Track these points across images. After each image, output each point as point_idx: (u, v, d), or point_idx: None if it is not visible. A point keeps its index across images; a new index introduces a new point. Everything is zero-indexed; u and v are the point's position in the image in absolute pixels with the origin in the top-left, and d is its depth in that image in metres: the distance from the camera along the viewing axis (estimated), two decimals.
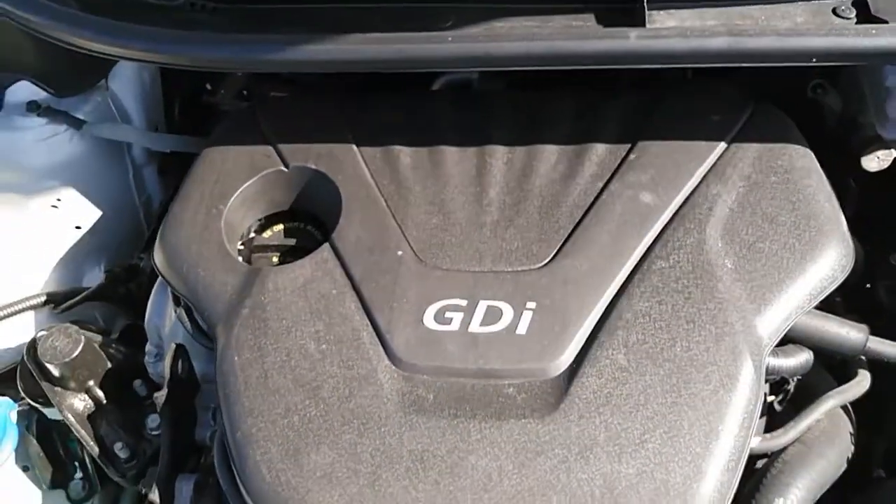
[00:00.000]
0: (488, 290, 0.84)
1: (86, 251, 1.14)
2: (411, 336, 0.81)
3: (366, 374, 0.80)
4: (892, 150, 1.02)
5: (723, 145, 0.93)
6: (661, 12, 0.85)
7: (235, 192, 0.94)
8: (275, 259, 0.95)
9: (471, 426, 0.76)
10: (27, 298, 1.06)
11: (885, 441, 0.97)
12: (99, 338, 1.01)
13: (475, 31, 0.85)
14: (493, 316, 0.82)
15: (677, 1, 0.87)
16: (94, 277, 1.14)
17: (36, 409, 1.04)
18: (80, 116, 1.15)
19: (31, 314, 1.07)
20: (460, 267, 0.86)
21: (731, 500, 0.74)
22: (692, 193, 0.88)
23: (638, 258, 0.84)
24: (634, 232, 0.86)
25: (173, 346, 0.91)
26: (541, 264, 0.85)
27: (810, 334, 0.86)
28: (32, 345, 0.96)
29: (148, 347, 1.00)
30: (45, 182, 1.12)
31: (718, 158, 0.91)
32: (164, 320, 0.99)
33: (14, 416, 1.01)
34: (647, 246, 0.85)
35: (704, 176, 0.90)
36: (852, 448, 0.87)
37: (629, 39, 0.83)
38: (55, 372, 0.96)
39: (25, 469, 1.07)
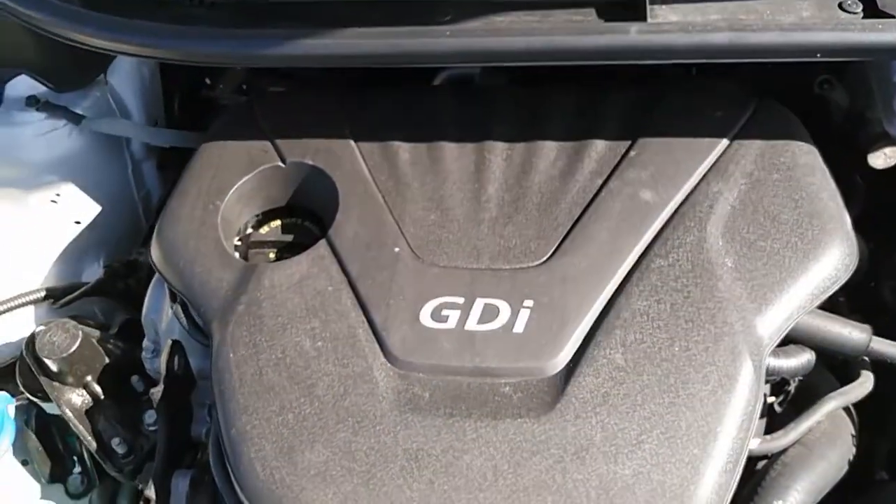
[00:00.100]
0: (486, 287, 0.83)
1: (85, 246, 1.14)
2: (407, 334, 0.81)
3: (361, 372, 0.79)
4: None
5: (725, 142, 0.91)
6: (664, 7, 0.84)
7: (232, 187, 0.93)
8: (272, 255, 0.94)
9: (466, 425, 0.75)
10: (26, 293, 1.06)
11: (888, 443, 0.96)
12: (97, 333, 1.01)
13: (474, 26, 0.84)
14: (490, 314, 0.81)
15: None
16: (94, 272, 1.14)
17: (35, 403, 1.04)
18: (80, 111, 1.15)
19: (30, 309, 1.08)
20: (458, 264, 0.85)
21: (729, 503, 0.73)
22: (693, 191, 0.87)
23: (637, 256, 0.83)
24: (634, 230, 0.85)
25: (170, 342, 0.91)
26: (539, 262, 0.84)
27: (812, 334, 0.85)
28: (31, 340, 0.96)
29: (145, 343, 1.00)
30: (44, 177, 1.12)
31: (720, 155, 0.90)
32: (160, 316, 0.98)
33: (12, 411, 1.01)
34: (646, 244, 0.84)
35: (705, 173, 0.88)
36: (854, 450, 0.86)
37: (629, 34, 0.81)
38: (53, 367, 0.96)
39: (24, 463, 1.08)
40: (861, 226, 0.91)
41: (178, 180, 0.97)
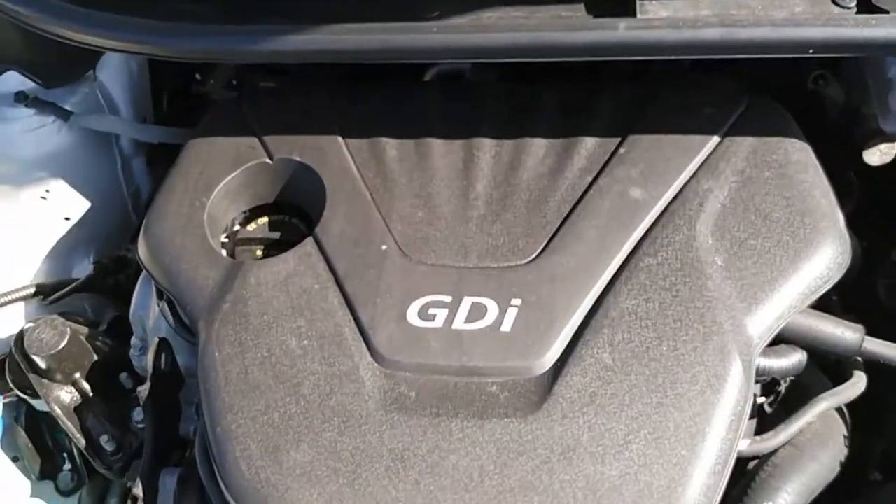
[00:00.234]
0: (473, 286, 0.82)
1: (74, 242, 1.13)
2: (394, 332, 0.80)
3: (347, 371, 0.79)
4: (895, 144, 0.99)
5: (716, 139, 0.90)
6: (654, 2, 0.83)
7: (219, 184, 0.93)
8: (259, 252, 0.94)
9: (452, 425, 0.75)
10: (16, 290, 1.06)
11: (882, 443, 0.95)
12: (86, 330, 1.01)
13: (461, 22, 0.83)
14: (477, 312, 0.80)
15: None
16: (83, 268, 1.14)
17: (24, 400, 1.04)
18: (68, 107, 1.15)
19: (20, 305, 1.08)
20: (445, 262, 0.84)
21: None
22: (683, 189, 0.86)
23: (626, 255, 0.82)
24: (623, 228, 0.84)
25: (157, 339, 0.90)
26: (527, 260, 0.84)
27: (804, 334, 0.84)
28: (20, 336, 0.96)
29: (133, 340, 0.99)
30: (33, 173, 1.12)
31: (711, 153, 0.89)
32: (148, 313, 0.98)
33: (1, 408, 1.01)
34: (635, 242, 0.83)
35: (696, 171, 0.87)
36: (846, 451, 0.85)
37: (618, 31, 0.80)
38: (41, 364, 0.96)
39: (14, 459, 1.08)
40: (856, 223, 0.90)
41: (166, 177, 0.96)
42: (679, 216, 0.84)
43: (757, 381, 0.82)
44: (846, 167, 1.01)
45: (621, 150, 0.90)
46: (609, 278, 0.81)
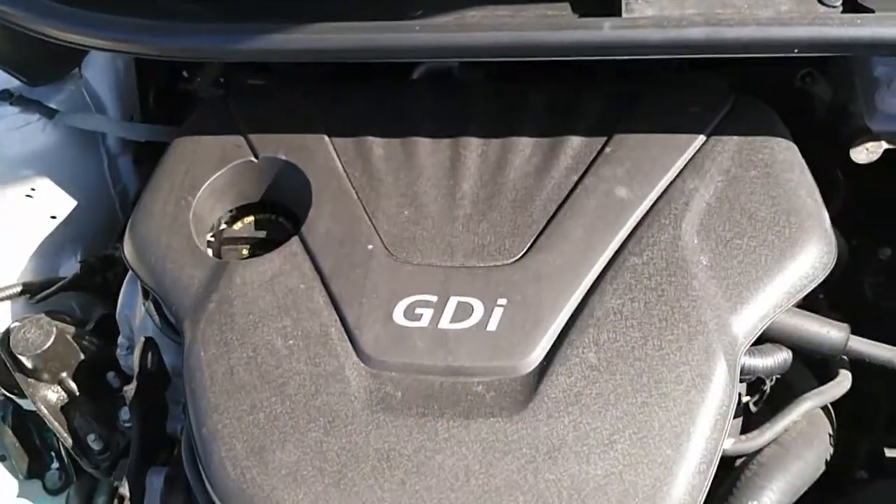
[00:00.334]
0: (459, 285, 0.82)
1: (61, 241, 1.13)
2: (380, 332, 0.80)
3: (333, 371, 0.79)
4: (882, 142, 0.99)
5: (701, 138, 0.90)
6: (639, 1, 0.83)
7: (205, 183, 0.92)
8: (245, 251, 0.94)
9: (438, 425, 0.75)
10: (2, 288, 1.06)
11: (868, 441, 0.95)
12: (72, 329, 1.00)
13: (444, 21, 0.83)
14: (463, 312, 0.80)
15: None
16: (70, 267, 1.13)
17: (11, 399, 1.04)
18: (54, 105, 1.14)
19: (6, 304, 1.07)
20: (431, 262, 0.84)
21: (702, 503, 0.73)
22: (668, 188, 0.86)
23: (611, 254, 0.82)
24: (608, 227, 0.84)
25: (143, 339, 0.90)
26: (513, 260, 0.84)
27: (789, 333, 0.84)
28: (5, 336, 0.96)
29: (119, 340, 0.99)
30: (18, 171, 1.12)
31: (696, 152, 0.89)
32: (134, 312, 0.98)
33: None
34: (620, 241, 0.83)
35: (681, 170, 0.87)
36: (831, 449, 0.86)
37: (603, 30, 0.80)
38: (27, 363, 0.96)
39: (2, 459, 1.08)
40: (843, 221, 0.90)
41: (151, 175, 0.96)
42: (665, 215, 0.84)
43: (742, 381, 0.82)
44: (833, 165, 1.01)
45: (607, 150, 0.90)
46: (595, 278, 0.81)
